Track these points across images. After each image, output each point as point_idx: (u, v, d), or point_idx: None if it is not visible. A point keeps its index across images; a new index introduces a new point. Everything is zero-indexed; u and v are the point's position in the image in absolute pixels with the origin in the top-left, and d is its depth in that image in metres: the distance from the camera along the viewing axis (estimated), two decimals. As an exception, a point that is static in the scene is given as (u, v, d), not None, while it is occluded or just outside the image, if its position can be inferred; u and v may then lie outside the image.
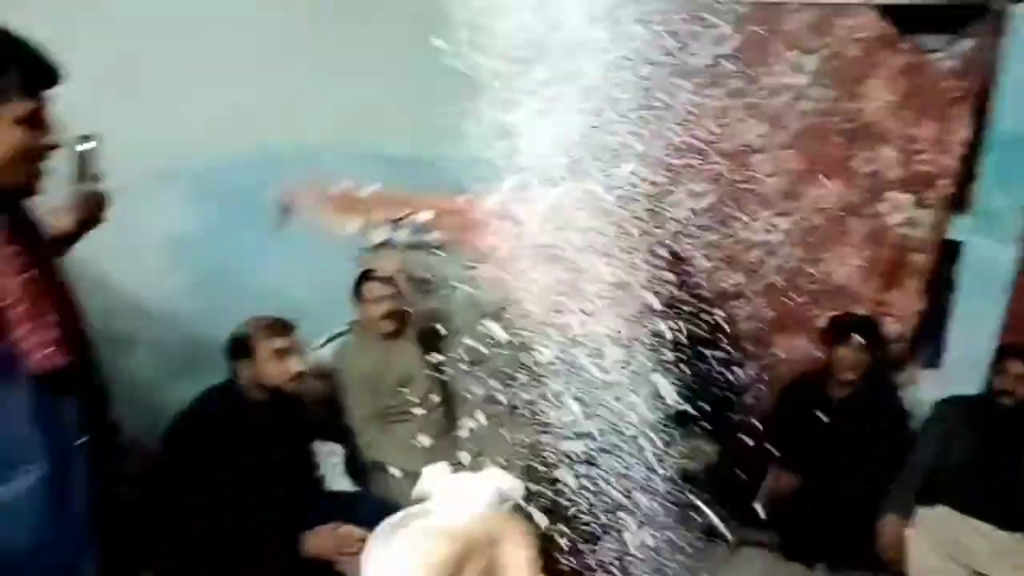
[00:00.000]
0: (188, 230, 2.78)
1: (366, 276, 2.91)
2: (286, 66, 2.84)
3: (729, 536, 2.86)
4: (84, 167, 1.69)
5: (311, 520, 2.29)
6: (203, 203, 2.76)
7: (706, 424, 3.26)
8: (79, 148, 1.68)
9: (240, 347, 2.24)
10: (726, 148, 3.32)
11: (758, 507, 2.78)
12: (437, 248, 3.00)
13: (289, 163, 2.91)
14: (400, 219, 1.81)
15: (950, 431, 2.74)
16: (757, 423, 3.24)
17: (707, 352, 3.26)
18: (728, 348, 3.44)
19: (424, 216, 1.81)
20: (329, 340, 3.04)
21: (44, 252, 1.20)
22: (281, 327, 2.21)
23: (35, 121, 1.15)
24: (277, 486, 2.26)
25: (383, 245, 3.07)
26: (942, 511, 2.71)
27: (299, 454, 2.47)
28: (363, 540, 2.20)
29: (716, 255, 3.41)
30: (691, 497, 3.04)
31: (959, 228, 2.98)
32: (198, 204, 2.76)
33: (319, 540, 2.23)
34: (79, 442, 1.14)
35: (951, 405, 2.83)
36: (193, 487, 2.08)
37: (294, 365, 2.18)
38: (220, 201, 2.80)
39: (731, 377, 3.45)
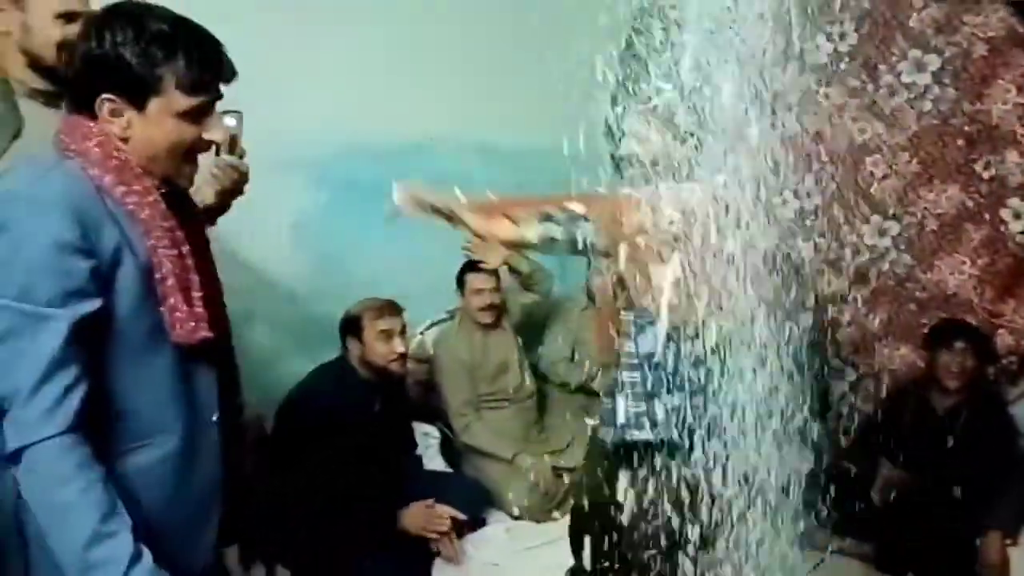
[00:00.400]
0: (306, 215, 2.96)
1: (469, 267, 3.02)
2: (404, 61, 2.97)
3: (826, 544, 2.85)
4: (228, 140, 1.80)
5: (408, 497, 2.43)
6: (321, 191, 2.93)
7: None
8: (225, 122, 1.79)
9: (351, 326, 2.39)
10: (839, 148, 3.25)
11: (875, 496, 2.74)
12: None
13: (402, 154, 3.04)
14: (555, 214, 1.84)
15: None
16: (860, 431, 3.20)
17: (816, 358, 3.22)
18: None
19: (578, 209, 1.81)
20: (431, 326, 3.17)
21: (196, 228, 1.24)
22: (389, 309, 2.35)
23: (197, 116, 1.13)
24: (379, 461, 2.40)
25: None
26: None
27: (400, 433, 2.61)
28: (452, 519, 2.34)
29: (820, 258, 3.35)
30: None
31: (1087, 239, 2.82)
32: (316, 191, 2.93)
33: (412, 516, 2.37)
34: (214, 418, 1.19)
35: (1065, 424, 2.70)
36: (302, 460, 2.24)
37: (398, 346, 2.32)
38: (336, 189, 2.96)
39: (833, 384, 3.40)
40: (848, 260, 3.28)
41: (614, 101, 2.08)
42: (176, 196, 1.20)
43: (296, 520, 2.25)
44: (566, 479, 2.93)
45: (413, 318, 3.13)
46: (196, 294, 1.14)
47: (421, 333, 3.15)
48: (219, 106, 1.73)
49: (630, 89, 1.72)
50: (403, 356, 2.35)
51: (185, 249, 1.14)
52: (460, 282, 3.06)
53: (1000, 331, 2.99)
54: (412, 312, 3.09)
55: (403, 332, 2.37)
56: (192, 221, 1.23)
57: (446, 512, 2.41)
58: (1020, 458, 2.71)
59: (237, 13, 2.55)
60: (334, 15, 2.83)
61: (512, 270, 3.11)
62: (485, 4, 3.17)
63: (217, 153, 1.75)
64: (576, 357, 3.25)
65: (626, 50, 3.50)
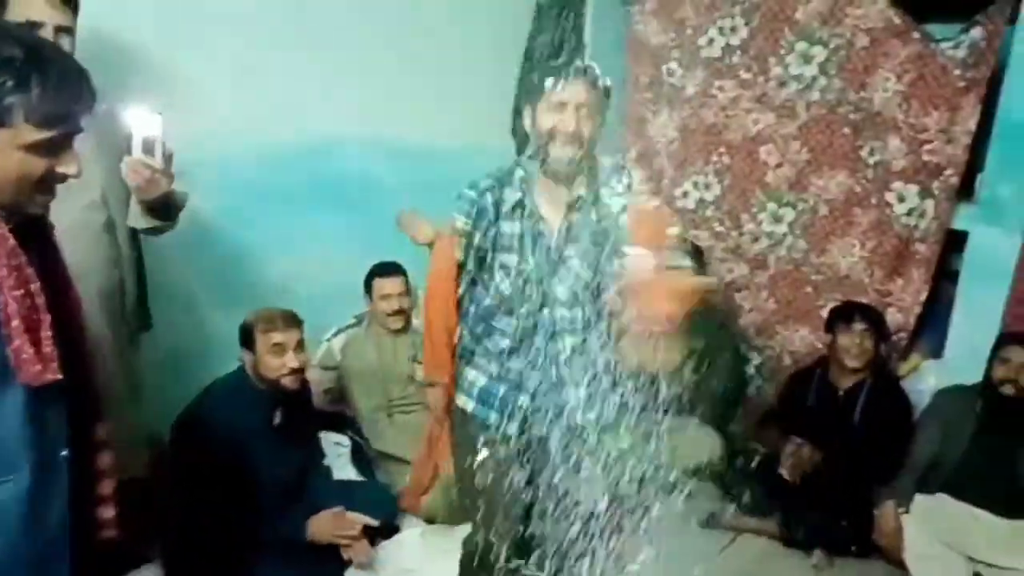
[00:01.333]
0: (210, 217, 2.83)
1: (378, 271, 2.96)
2: (309, 62, 2.89)
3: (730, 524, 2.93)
4: (144, 140, 1.74)
5: (318, 508, 2.37)
6: (226, 192, 2.81)
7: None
8: (141, 121, 1.73)
9: (244, 337, 2.28)
10: (734, 139, 3.33)
11: (783, 472, 2.82)
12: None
13: (309, 156, 2.96)
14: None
15: (951, 421, 2.76)
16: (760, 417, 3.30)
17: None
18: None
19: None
20: (338, 332, 3.09)
21: (51, 264, 1.17)
22: (283, 321, 2.24)
23: (50, 149, 1.06)
24: (283, 475, 2.33)
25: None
26: (941, 499, 2.73)
27: (306, 444, 2.54)
28: (364, 526, 2.27)
29: (722, 246, 3.43)
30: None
31: (964, 218, 2.97)
32: (222, 193, 2.81)
33: (320, 525, 2.31)
34: (63, 455, 1.14)
35: (952, 395, 2.84)
36: (200, 475, 2.15)
37: (290, 361, 2.22)
38: (242, 191, 2.85)
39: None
40: (747, 247, 3.38)
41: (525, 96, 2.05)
42: (32, 226, 1.13)
43: (201, 538, 2.17)
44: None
45: (321, 324, 3.07)
46: (46, 334, 1.08)
47: (328, 340, 3.08)
48: (142, 106, 1.71)
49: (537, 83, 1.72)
50: (296, 371, 2.25)
51: (35, 287, 1.07)
52: (368, 286, 2.99)
53: (890, 309, 3.13)
54: (319, 318, 3.03)
55: (300, 346, 2.27)
56: (49, 253, 1.16)
57: (356, 519, 2.36)
58: (913, 431, 2.85)
59: (140, 15, 2.45)
60: (237, 15, 2.72)
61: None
62: (393, 3, 3.11)
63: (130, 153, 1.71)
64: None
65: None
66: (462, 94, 3.35)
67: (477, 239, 1.81)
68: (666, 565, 2.67)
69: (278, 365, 2.22)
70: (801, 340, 3.33)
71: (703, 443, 3.18)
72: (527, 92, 1.84)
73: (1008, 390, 2.64)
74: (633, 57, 3.47)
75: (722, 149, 3.35)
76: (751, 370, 3.47)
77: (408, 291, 2.99)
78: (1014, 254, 2.87)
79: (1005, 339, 2.75)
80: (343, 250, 3.10)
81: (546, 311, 1.80)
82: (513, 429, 1.87)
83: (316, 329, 3.02)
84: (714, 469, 3.09)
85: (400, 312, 2.95)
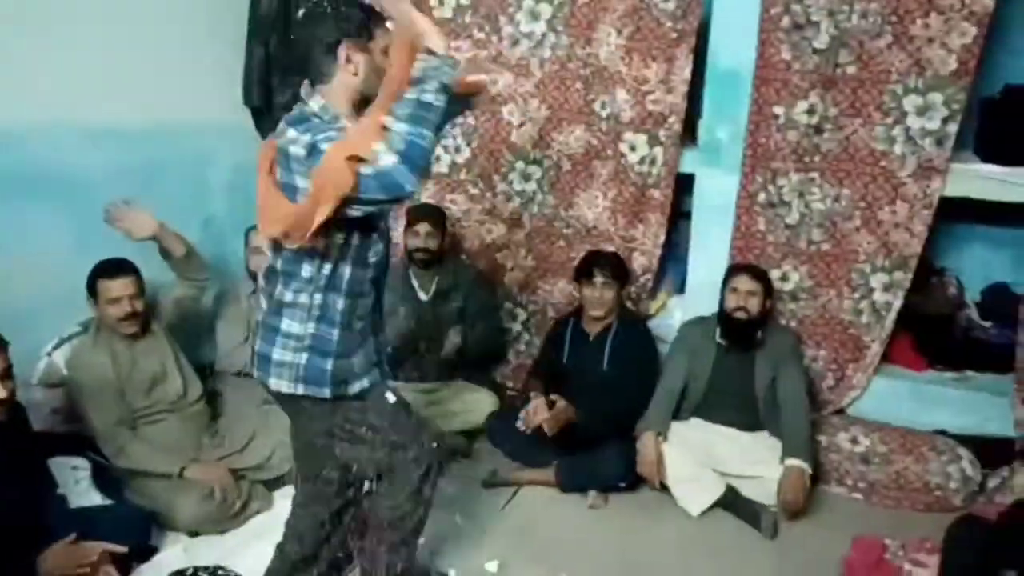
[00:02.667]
0: None
1: (104, 272, 2.62)
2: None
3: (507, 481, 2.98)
4: None
5: (51, 541, 2.09)
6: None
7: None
8: None
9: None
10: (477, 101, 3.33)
11: (519, 424, 2.88)
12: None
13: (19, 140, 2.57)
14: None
15: (695, 350, 2.98)
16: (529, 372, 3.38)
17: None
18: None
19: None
20: (60, 344, 2.72)
21: None
22: None
23: None
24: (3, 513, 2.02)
25: None
26: (694, 423, 2.96)
27: (26, 479, 2.22)
28: (110, 554, 2.01)
29: (479, 208, 3.45)
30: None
31: (690, 161, 3.19)
32: None
33: (53, 560, 2.04)
34: None
35: (693, 326, 3.07)
36: None
37: (-4, 391, 1.91)
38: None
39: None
40: (502, 207, 3.42)
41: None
42: None
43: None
44: (249, 480, 2.74)
45: (36, 339, 2.69)
46: None
47: (48, 354, 2.70)
48: None
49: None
50: (2, 402, 1.93)
51: None
52: (92, 289, 2.64)
53: (635, 254, 3.31)
54: (33, 332, 2.66)
55: (5, 374, 1.95)
56: None
57: (93, 548, 2.11)
58: (660, 365, 3.05)
59: None
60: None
61: (164, 253, 2.75)
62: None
63: None
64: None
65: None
66: (179, 70, 3.07)
67: None
68: (456, 527, 2.69)
69: (-21, 398, 1.90)
70: (561, 292, 3.44)
71: (477, 404, 3.21)
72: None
73: (740, 315, 2.88)
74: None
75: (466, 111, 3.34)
76: (518, 327, 3.54)
77: (141, 291, 2.68)
78: (734, 192, 3.12)
79: (732, 270, 3.00)
80: (52, 250, 2.73)
81: None
82: None
83: (31, 344, 2.67)
84: (490, 428, 3.14)
85: (134, 315, 2.65)
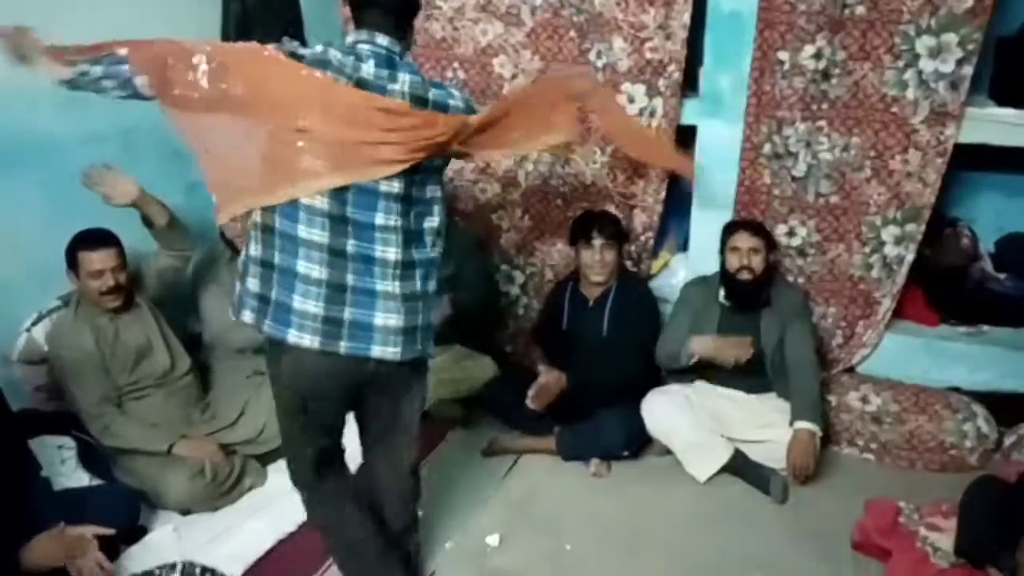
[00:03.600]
0: None
1: (83, 243, 2.50)
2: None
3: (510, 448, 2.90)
4: None
5: (38, 529, 2.01)
6: None
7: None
8: None
9: None
10: (466, 52, 3.18)
11: (528, 402, 2.78)
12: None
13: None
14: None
15: (698, 310, 2.87)
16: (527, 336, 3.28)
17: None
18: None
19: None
20: (39, 319, 2.61)
21: None
22: None
23: None
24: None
25: None
26: (699, 386, 2.87)
27: (6, 460, 2.13)
28: (98, 537, 1.91)
29: (471, 166, 3.31)
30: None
31: (691, 112, 3.03)
32: None
33: (40, 550, 1.95)
34: None
35: (696, 286, 2.96)
36: None
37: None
38: None
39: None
40: (496, 166, 3.28)
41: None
42: None
43: None
44: (241, 455, 2.66)
45: (13, 313, 2.59)
46: None
47: (27, 330, 2.60)
48: None
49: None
50: None
51: None
52: (72, 262, 2.53)
53: (635, 211, 3.18)
54: (10, 306, 2.56)
55: None
56: None
57: (81, 532, 2.03)
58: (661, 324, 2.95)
59: None
60: None
61: (146, 222, 2.62)
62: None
63: None
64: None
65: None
66: (153, 28, 2.88)
67: None
68: (455, 498, 2.62)
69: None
70: (559, 253, 3.32)
71: (476, 371, 3.12)
72: None
73: (745, 275, 2.77)
74: (348, -28, 3.17)
75: (456, 64, 3.19)
76: (516, 289, 3.43)
77: (124, 263, 2.56)
78: (738, 143, 2.98)
79: (731, 227, 2.86)
80: (26, 219, 2.60)
81: None
82: None
83: (10, 320, 2.57)
84: (489, 396, 3.05)
85: (117, 289, 2.54)
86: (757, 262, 2.76)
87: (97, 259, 2.49)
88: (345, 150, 1.71)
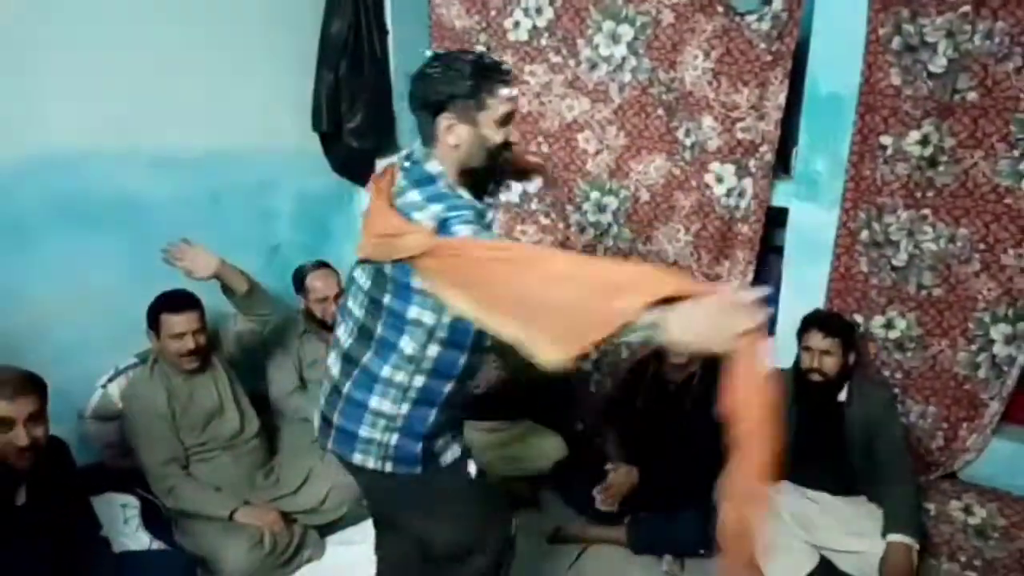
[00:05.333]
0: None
1: (166, 305, 2.54)
2: (54, 62, 2.45)
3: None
4: None
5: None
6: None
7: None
8: None
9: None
10: (551, 127, 3.16)
11: (596, 496, 2.64)
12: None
13: (56, 171, 2.52)
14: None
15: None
16: (599, 415, 3.15)
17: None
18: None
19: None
20: (116, 375, 2.65)
21: None
22: (11, 388, 1.80)
23: None
24: (31, 567, 1.92)
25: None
26: (784, 486, 2.67)
27: (64, 519, 2.11)
28: None
29: (549, 239, 3.26)
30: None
31: (783, 194, 2.91)
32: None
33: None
34: None
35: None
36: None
37: (18, 439, 1.80)
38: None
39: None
40: (575, 240, 3.22)
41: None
42: None
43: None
44: (301, 524, 2.60)
45: (91, 369, 2.63)
46: None
47: (103, 386, 2.63)
48: None
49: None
50: (24, 451, 1.83)
51: None
52: (153, 322, 2.56)
53: (719, 293, 3.04)
54: (87, 362, 2.60)
55: (36, 417, 1.84)
56: None
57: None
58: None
59: None
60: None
61: (226, 290, 2.65)
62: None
63: None
64: (307, 385, 2.91)
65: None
66: (244, 95, 2.99)
67: None
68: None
69: (2, 443, 1.80)
70: (637, 332, 3.19)
71: (544, 449, 3.00)
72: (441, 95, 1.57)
73: (816, 378, 2.57)
74: (438, 43, 3.22)
75: (540, 138, 3.17)
76: (588, 365, 3.32)
77: (204, 327, 2.58)
78: (833, 228, 2.84)
79: (805, 324, 2.66)
80: (111, 279, 2.67)
81: None
82: None
83: (88, 375, 2.61)
84: (557, 477, 2.92)
85: (197, 351, 2.56)
86: (829, 364, 2.56)
87: (179, 322, 2.52)
88: None
